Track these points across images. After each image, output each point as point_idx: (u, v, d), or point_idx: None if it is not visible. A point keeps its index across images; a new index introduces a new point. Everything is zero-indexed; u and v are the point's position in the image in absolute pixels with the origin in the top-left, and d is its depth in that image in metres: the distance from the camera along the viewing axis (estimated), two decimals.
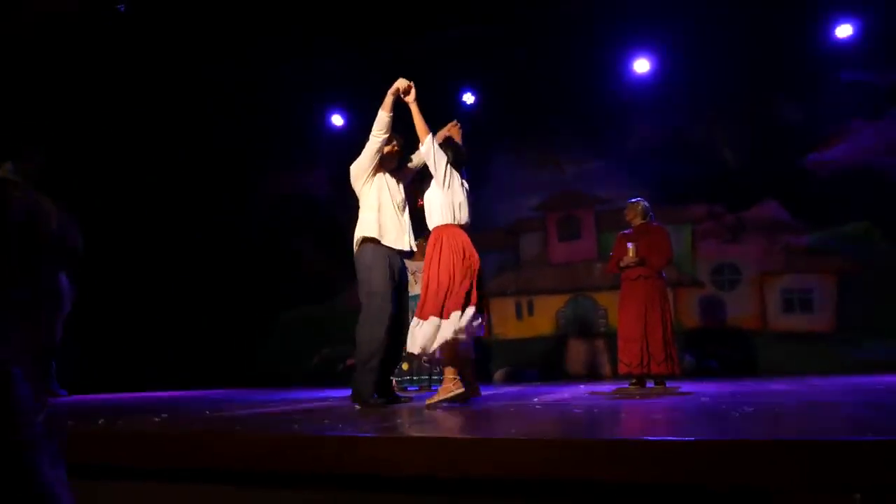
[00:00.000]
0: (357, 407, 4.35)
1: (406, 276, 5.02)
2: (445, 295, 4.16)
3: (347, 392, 6.16)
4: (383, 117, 4.65)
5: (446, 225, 4.37)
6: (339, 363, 9.33)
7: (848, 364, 7.21)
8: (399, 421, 3.17)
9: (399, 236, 4.72)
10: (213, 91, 9.10)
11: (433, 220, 4.46)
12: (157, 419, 3.47)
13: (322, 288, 9.57)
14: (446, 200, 4.39)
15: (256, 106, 9.37)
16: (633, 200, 6.19)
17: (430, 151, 4.43)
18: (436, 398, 4.18)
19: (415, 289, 5.93)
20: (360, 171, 4.78)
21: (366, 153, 4.75)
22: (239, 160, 9.86)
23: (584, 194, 8.76)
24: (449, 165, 4.44)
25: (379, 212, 4.68)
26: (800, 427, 2.66)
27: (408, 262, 5.20)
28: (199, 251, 9.76)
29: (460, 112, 8.84)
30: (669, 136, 8.36)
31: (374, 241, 4.64)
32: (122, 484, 2.71)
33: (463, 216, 4.42)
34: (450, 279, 4.19)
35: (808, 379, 6.21)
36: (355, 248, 4.73)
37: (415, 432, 2.68)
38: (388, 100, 4.63)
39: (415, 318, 4.25)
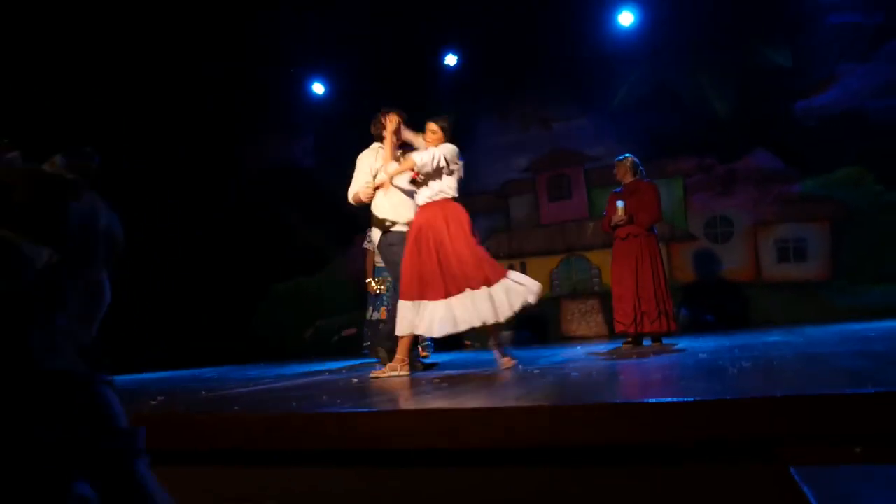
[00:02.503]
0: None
1: None
2: (486, 261, 4.34)
3: (343, 364, 6.20)
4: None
5: (445, 200, 4.46)
6: (334, 335, 9.34)
7: (843, 311, 7.24)
8: (398, 394, 3.16)
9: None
10: (195, 65, 8.91)
11: (425, 195, 4.50)
12: (153, 402, 3.45)
13: (314, 259, 9.52)
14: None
15: (237, 77, 9.19)
16: (620, 158, 6.08)
17: (430, 164, 4.41)
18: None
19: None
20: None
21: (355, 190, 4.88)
22: (224, 133, 9.70)
23: (572, 152, 8.68)
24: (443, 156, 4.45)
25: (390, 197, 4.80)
26: (798, 381, 2.66)
27: None
28: (188, 228, 9.66)
29: (443, 74, 8.73)
30: (656, 88, 8.25)
31: (392, 223, 4.80)
32: None
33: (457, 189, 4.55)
34: (472, 248, 4.34)
35: (804, 328, 6.23)
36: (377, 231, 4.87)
37: (414, 405, 2.67)
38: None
39: (471, 291, 4.26)
